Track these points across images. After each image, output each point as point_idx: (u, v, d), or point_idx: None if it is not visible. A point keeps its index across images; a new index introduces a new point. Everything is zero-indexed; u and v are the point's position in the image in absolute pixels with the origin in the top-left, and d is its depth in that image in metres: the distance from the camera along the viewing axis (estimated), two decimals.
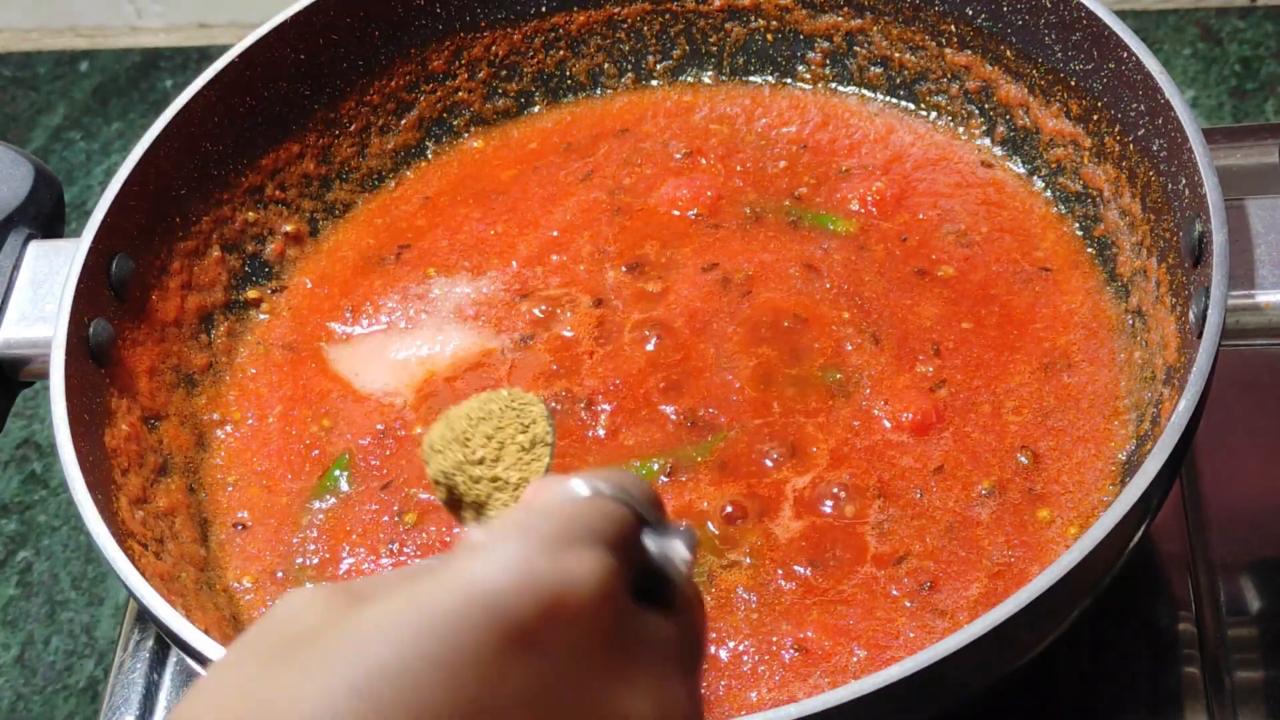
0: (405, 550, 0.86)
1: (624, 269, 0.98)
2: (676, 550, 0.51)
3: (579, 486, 0.49)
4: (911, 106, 1.05)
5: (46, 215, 0.94)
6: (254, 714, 0.41)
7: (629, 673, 0.46)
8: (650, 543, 0.51)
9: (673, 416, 0.89)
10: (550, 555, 0.44)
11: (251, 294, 1.01)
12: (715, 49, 1.09)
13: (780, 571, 0.81)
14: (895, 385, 0.89)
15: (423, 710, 0.41)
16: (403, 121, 1.07)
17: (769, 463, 0.86)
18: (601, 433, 0.89)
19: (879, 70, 1.05)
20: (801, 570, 0.81)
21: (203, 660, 0.73)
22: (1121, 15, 0.90)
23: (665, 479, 0.86)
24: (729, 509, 0.84)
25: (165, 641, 0.90)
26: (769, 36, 1.08)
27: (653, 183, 1.03)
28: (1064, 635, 0.73)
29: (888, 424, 0.87)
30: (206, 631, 0.74)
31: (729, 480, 0.85)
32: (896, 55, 1.04)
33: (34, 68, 1.65)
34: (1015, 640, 0.69)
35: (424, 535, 0.86)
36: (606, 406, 0.90)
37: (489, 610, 0.42)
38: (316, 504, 0.90)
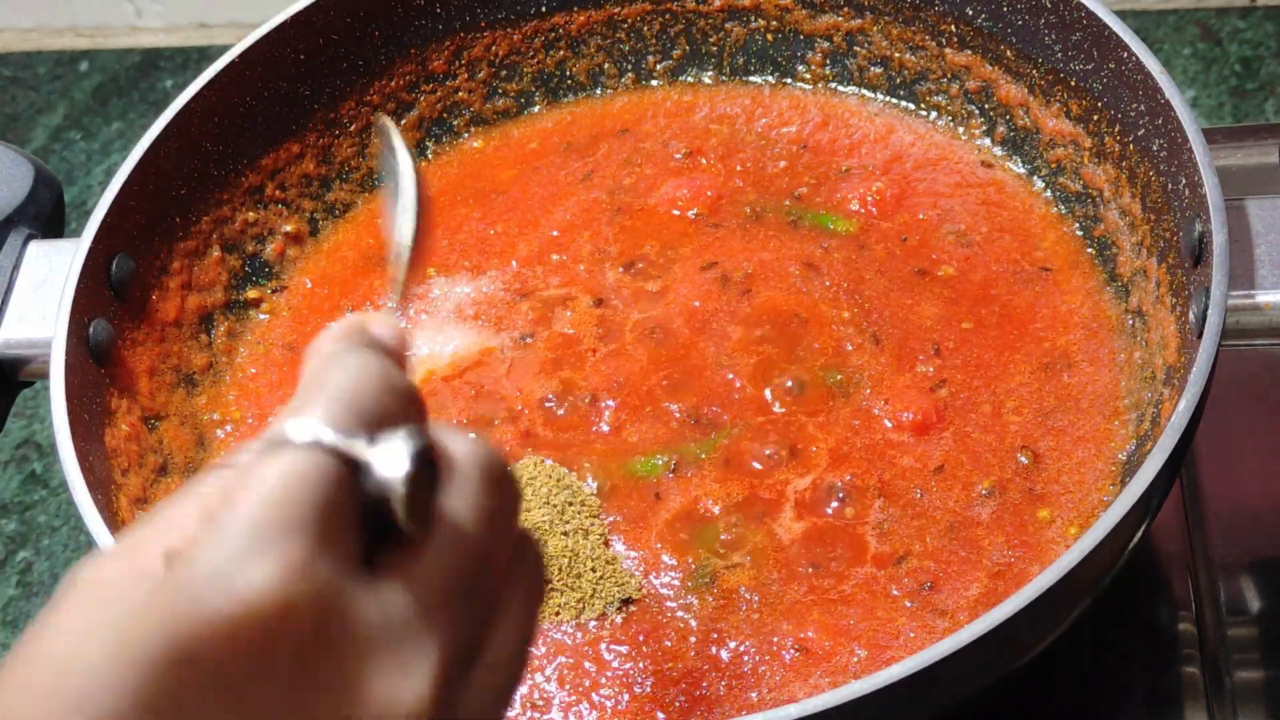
0: None
1: (624, 268, 0.98)
2: (394, 471, 0.42)
3: (289, 439, 0.42)
4: (911, 106, 1.05)
5: (46, 215, 0.94)
6: None
7: (361, 670, 0.41)
8: (369, 483, 0.43)
9: (676, 413, 0.89)
10: (221, 577, 0.39)
11: (251, 294, 1.01)
12: (715, 49, 1.09)
13: (781, 572, 0.81)
14: (896, 385, 0.89)
15: None
16: (402, 121, 1.07)
17: (771, 462, 0.86)
18: (605, 428, 0.89)
19: (879, 70, 1.05)
20: (803, 570, 0.81)
21: None
22: (1121, 15, 0.90)
23: (671, 474, 0.86)
24: (734, 519, 0.84)
25: None
26: (769, 36, 1.08)
27: (653, 182, 1.03)
28: (1064, 635, 0.73)
29: (888, 423, 0.87)
30: None
31: (733, 477, 0.86)
32: (896, 55, 1.04)
33: (34, 68, 1.65)
34: (1015, 640, 0.69)
35: None
36: (611, 402, 0.90)
37: (170, 650, 0.37)
38: None
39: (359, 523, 0.43)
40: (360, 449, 0.43)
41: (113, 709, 0.36)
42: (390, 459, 0.43)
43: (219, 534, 0.40)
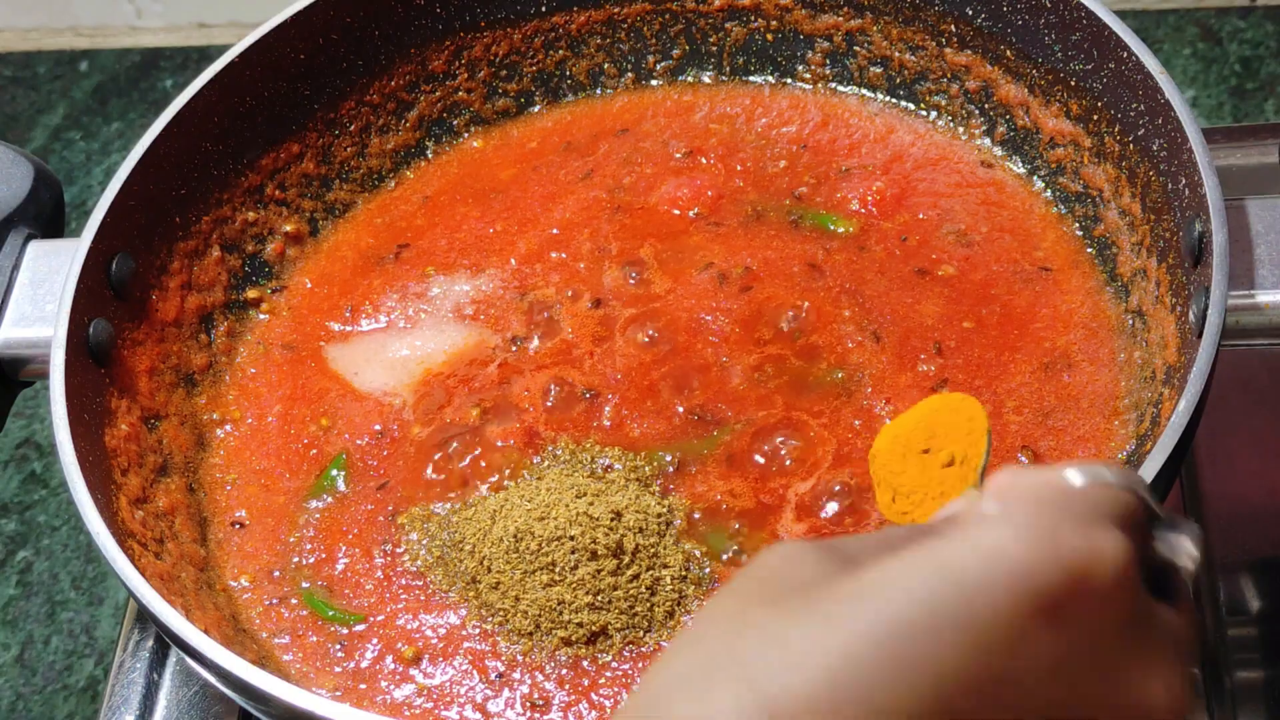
0: (398, 551, 0.86)
1: (624, 267, 0.98)
2: (1184, 545, 0.50)
3: (1073, 475, 0.48)
4: (911, 106, 1.05)
5: (46, 215, 0.94)
6: (770, 655, 0.42)
7: (1144, 655, 0.46)
8: (1159, 534, 0.50)
9: (679, 410, 0.89)
10: (1076, 531, 0.44)
11: (251, 294, 1.01)
12: (715, 49, 1.09)
13: None
14: (897, 383, 0.89)
15: (944, 671, 0.41)
16: (403, 121, 1.07)
17: (773, 459, 0.86)
18: (607, 423, 0.89)
19: (879, 70, 1.05)
20: None
21: (203, 660, 0.73)
22: (1121, 15, 0.90)
23: (673, 470, 0.86)
24: (735, 520, 0.84)
25: (165, 641, 0.90)
26: (769, 36, 1.08)
27: (653, 182, 1.03)
28: None
29: (890, 421, 0.87)
30: (206, 631, 0.74)
31: (736, 475, 0.86)
32: (896, 55, 1.04)
33: (34, 68, 1.65)
34: None
35: (414, 536, 0.86)
36: (612, 398, 0.90)
37: (1018, 579, 0.43)
38: (313, 503, 0.90)
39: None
40: (1153, 503, 0.51)
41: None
42: (1185, 535, 0.51)
43: (1047, 509, 0.46)
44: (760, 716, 0.40)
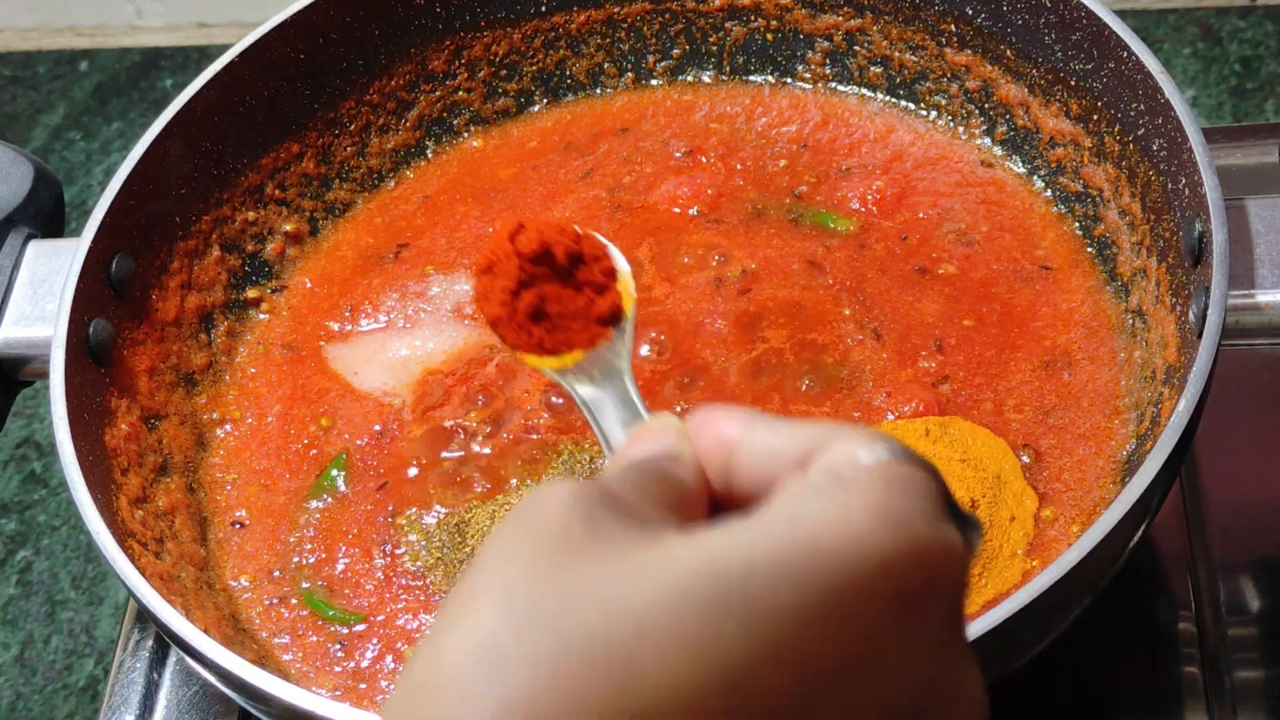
0: (398, 551, 0.86)
1: None
2: (974, 540, 0.48)
3: (898, 453, 0.44)
4: (911, 106, 1.05)
5: (46, 215, 0.94)
6: (574, 598, 0.38)
7: (963, 648, 0.45)
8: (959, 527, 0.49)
9: (678, 409, 0.89)
10: (929, 522, 0.42)
11: (251, 294, 1.01)
12: (715, 48, 1.09)
13: None
14: (898, 380, 0.89)
15: (808, 661, 0.38)
16: (403, 121, 1.07)
17: None
18: None
19: (879, 70, 1.05)
20: None
21: (203, 660, 0.73)
22: (1121, 15, 0.90)
23: None
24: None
25: (165, 641, 0.90)
26: (769, 36, 1.08)
27: (653, 181, 1.03)
28: (1064, 635, 0.73)
29: (891, 416, 0.87)
30: (206, 631, 0.74)
31: None
32: (896, 55, 1.04)
33: (34, 67, 1.65)
34: (1015, 640, 0.69)
35: (414, 536, 0.86)
36: None
37: (882, 571, 0.40)
38: (313, 503, 0.90)
39: None
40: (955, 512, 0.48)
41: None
42: (973, 540, 0.47)
43: (896, 492, 0.43)
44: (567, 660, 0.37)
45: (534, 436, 0.89)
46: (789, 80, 1.08)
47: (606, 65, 1.10)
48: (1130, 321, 0.90)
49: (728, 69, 1.10)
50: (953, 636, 0.44)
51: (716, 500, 0.47)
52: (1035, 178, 0.99)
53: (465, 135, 1.09)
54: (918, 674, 0.42)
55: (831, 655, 0.39)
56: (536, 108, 1.10)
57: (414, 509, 0.87)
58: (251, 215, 1.01)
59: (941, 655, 0.43)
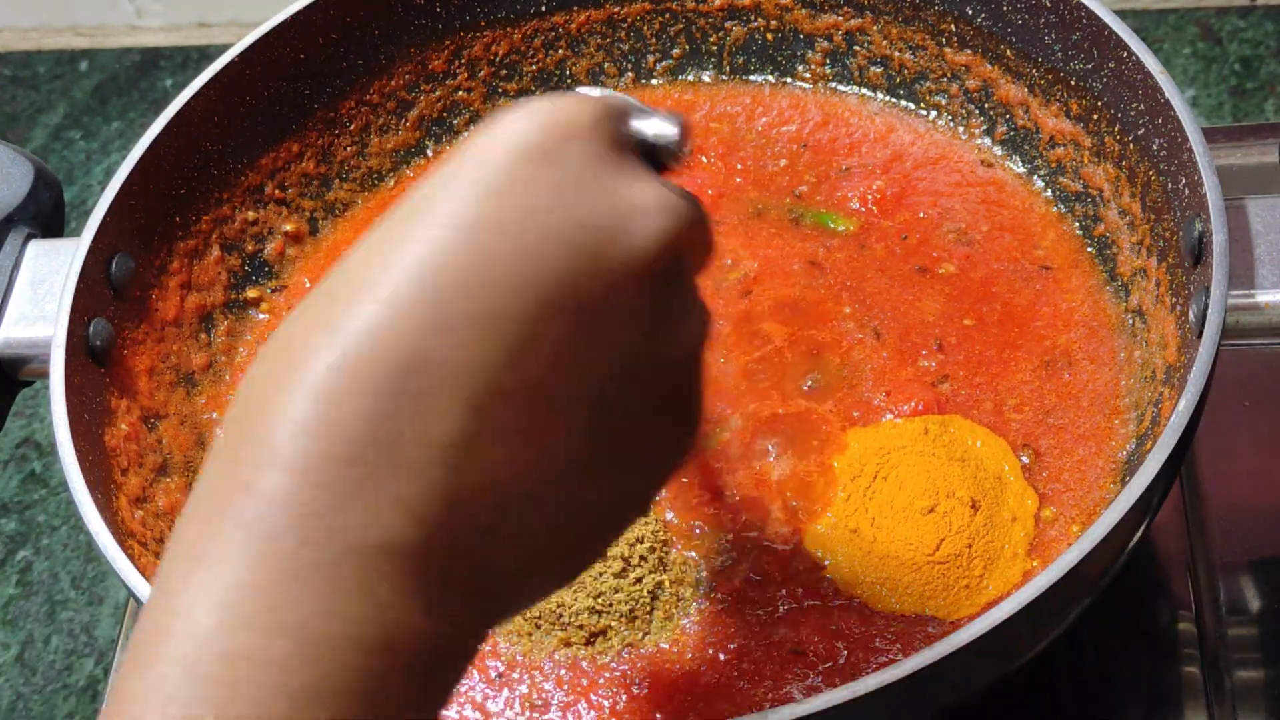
0: None
1: None
2: (664, 126, 0.57)
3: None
4: (911, 106, 1.05)
5: (46, 215, 0.94)
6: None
7: (631, 173, 0.54)
8: (638, 122, 0.57)
9: None
10: (551, 103, 0.53)
11: (251, 293, 1.01)
12: (715, 48, 1.09)
13: (781, 572, 0.81)
14: (898, 379, 0.89)
15: (483, 220, 0.50)
16: (403, 121, 1.07)
17: (772, 458, 0.86)
18: None
19: (879, 70, 1.05)
20: (804, 568, 0.81)
21: None
22: (1121, 15, 0.90)
23: None
24: (737, 518, 0.84)
25: None
26: (769, 36, 1.08)
27: None
28: (1064, 635, 0.73)
29: (891, 415, 0.87)
30: None
31: (735, 473, 0.86)
32: (896, 55, 1.04)
33: (34, 67, 1.65)
34: (1015, 640, 0.69)
35: None
36: None
37: (516, 144, 0.52)
38: None
39: None
40: (631, 103, 0.58)
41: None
42: (666, 120, 0.58)
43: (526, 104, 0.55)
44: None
45: None
46: (789, 80, 1.09)
47: (606, 65, 1.10)
48: (1130, 321, 0.90)
49: (728, 69, 1.10)
50: (603, 165, 0.53)
51: None
52: (1035, 177, 0.99)
53: (465, 135, 1.09)
54: (584, 196, 0.51)
55: (494, 208, 0.50)
56: None
57: None
58: (251, 215, 1.01)
59: (601, 178, 0.52)
